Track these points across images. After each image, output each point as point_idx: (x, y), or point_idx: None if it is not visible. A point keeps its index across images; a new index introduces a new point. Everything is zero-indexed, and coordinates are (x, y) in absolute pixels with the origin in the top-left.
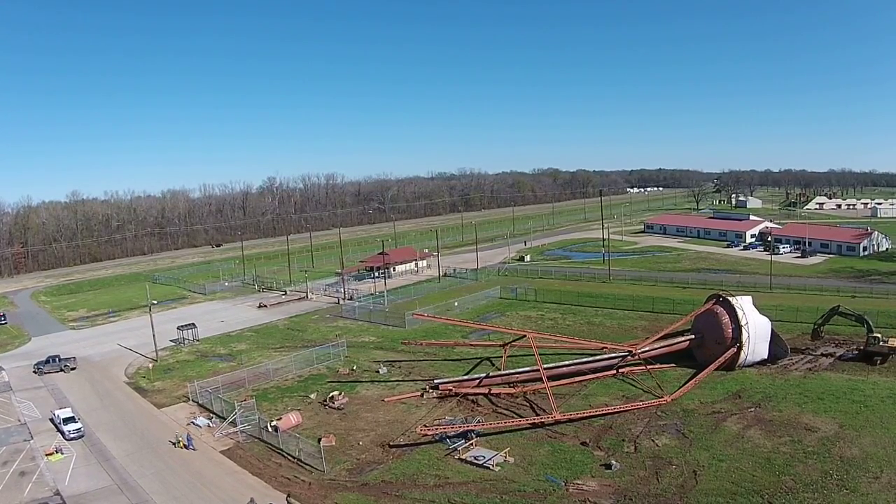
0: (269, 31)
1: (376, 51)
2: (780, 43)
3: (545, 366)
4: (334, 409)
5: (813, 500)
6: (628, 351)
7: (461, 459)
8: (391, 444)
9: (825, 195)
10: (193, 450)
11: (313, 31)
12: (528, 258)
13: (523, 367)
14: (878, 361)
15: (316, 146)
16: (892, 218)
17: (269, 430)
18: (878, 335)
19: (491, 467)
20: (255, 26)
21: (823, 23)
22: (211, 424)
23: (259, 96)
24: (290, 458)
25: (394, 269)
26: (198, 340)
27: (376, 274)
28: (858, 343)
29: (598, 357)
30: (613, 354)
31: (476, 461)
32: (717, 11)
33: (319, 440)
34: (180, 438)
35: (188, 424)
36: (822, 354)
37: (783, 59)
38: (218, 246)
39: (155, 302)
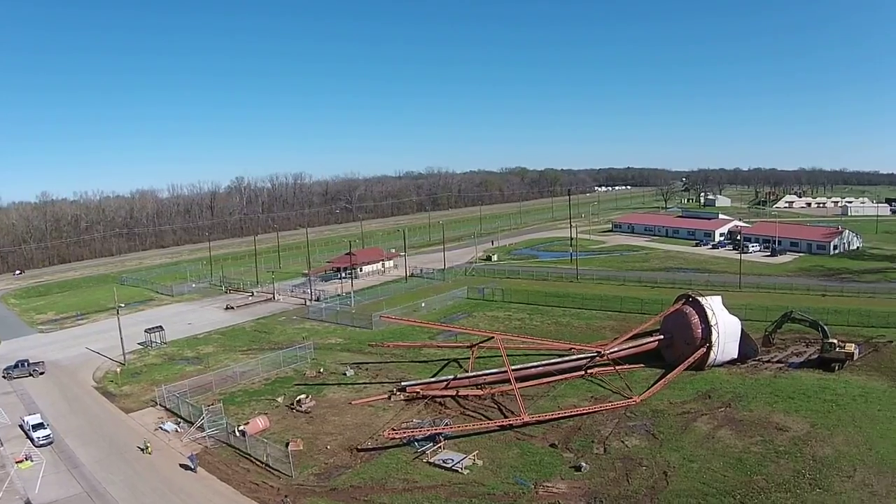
0: (235, 29)
1: (343, 49)
2: (749, 44)
3: (513, 367)
4: (302, 412)
5: (785, 499)
6: (597, 351)
7: (430, 462)
8: (359, 447)
9: (795, 194)
10: (195, 471)
11: (279, 30)
12: (495, 258)
13: (491, 368)
14: (837, 367)
15: (284, 145)
16: (864, 216)
17: (237, 434)
18: (834, 341)
19: (460, 470)
20: (221, 24)
21: (794, 25)
22: (178, 429)
23: (227, 95)
24: (258, 463)
25: (361, 270)
26: (165, 343)
27: (343, 274)
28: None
29: (566, 358)
30: (582, 355)
31: (445, 464)
32: (685, 12)
33: (287, 444)
34: (148, 444)
35: (156, 430)
36: (793, 353)
37: (753, 60)
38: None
39: (122, 305)
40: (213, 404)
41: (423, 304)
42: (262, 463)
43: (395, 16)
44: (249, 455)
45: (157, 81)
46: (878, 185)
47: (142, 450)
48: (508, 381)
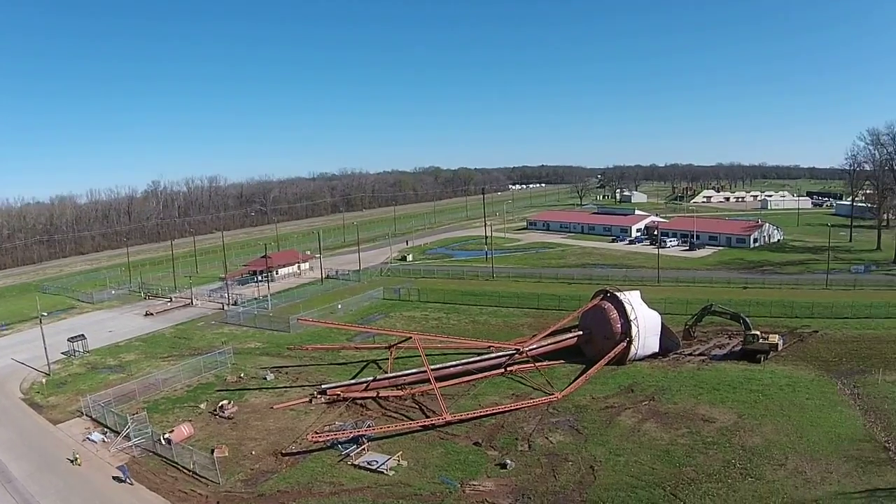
0: (145, 32)
1: (254, 51)
2: (662, 41)
3: (432, 367)
4: (224, 418)
5: (717, 489)
6: (516, 349)
7: (355, 465)
8: (284, 452)
9: (713, 188)
10: (131, 484)
11: (190, 32)
12: (410, 258)
13: (411, 368)
14: (762, 359)
15: (199, 147)
16: (784, 210)
17: (163, 442)
18: (757, 332)
19: (385, 472)
20: (132, 27)
21: (707, 22)
22: (105, 439)
23: (141, 97)
24: (185, 471)
25: (277, 273)
26: (88, 352)
27: (259, 278)
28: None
29: (485, 356)
30: (501, 353)
31: (370, 466)
32: (597, 12)
33: (212, 451)
34: (77, 456)
35: (83, 441)
36: (716, 346)
37: (666, 56)
38: None
39: (45, 314)
40: (137, 413)
41: (339, 306)
42: (189, 471)
43: (307, 18)
44: (176, 463)
45: (73, 85)
46: (798, 179)
47: (71, 461)
48: (428, 380)
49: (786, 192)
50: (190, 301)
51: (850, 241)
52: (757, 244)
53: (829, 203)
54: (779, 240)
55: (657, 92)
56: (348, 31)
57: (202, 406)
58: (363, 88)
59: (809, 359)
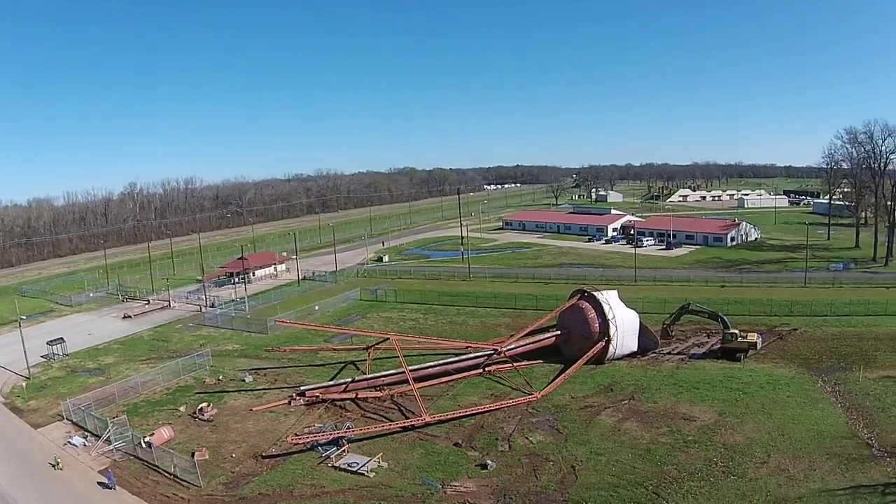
0: (117, 29)
1: (230, 55)
2: (638, 43)
3: (411, 367)
4: (204, 421)
5: (699, 487)
6: (494, 349)
7: (335, 467)
8: (264, 454)
9: (689, 187)
10: (113, 489)
11: (167, 36)
12: (386, 258)
13: (389, 369)
14: (742, 357)
15: (175, 149)
16: (761, 208)
17: (143, 446)
18: (735, 331)
19: (366, 473)
20: (107, 23)
21: (683, 24)
22: (86, 443)
23: (117, 99)
24: (166, 474)
25: (253, 274)
26: (67, 355)
27: (236, 280)
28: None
29: (463, 357)
30: (479, 353)
31: (350, 468)
32: (573, 11)
33: (193, 454)
34: (59, 460)
35: (64, 445)
36: (695, 344)
37: (641, 58)
38: None
39: (24, 317)
40: (117, 416)
41: (316, 307)
42: (171, 474)
43: (272, 23)
44: (157, 467)
45: (47, 86)
46: (774, 178)
47: (53, 466)
48: (407, 381)
49: (762, 191)
50: (168, 303)
51: (828, 239)
52: (734, 243)
53: (806, 201)
54: (756, 238)
55: (632, 93)
56: (322, 34)
57: (182, 409)
58: (338, 90)
59: (789, 356)
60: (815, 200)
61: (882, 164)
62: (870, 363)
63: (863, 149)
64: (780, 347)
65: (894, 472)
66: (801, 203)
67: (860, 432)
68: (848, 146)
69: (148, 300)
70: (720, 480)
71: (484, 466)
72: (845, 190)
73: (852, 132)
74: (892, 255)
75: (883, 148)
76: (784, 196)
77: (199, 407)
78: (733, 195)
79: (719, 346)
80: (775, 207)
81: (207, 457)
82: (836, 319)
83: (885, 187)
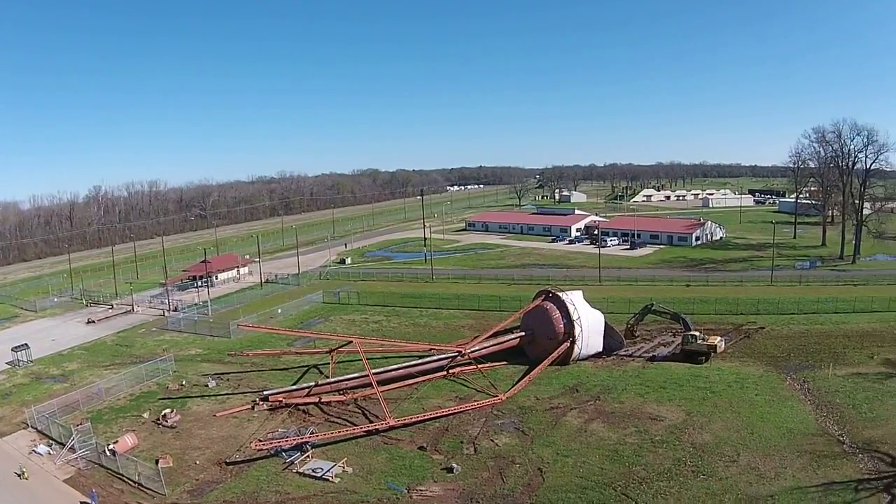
0: (80, 28)
1: (196, 59)
2: (600, 36)
3: (374, 370)
4: (168, 427)
5: (669, 488)
6: (458, 351)
7: (300, 473)
8: (228, 461)
9: (653, 187)
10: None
11: (125, 35)
12: (349, 260)
13: (352, 373)
14: (703, 360)
15: (140, 153)
16: (726, 207)
17: (108, 454)
18: (696, 333)
19: (330, 479)
20: (69, 22)
21: (652, 29)
22: (51, 451)
23: (82, 101)
24: (130, 482)
25: (216, 278)
26: (31, 362)
27: (199, 283)
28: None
29: (427, 359)
30: (443, 355)
31: (315, 473)
32: (529, 9)
33: (157, 462)
34: (24, 470)
35: (30, 453)
36: (661, 344)
37: (604, 57)
38: None
39: None
40: (81, 424)
41: (279, 311)
42: (135, 482)
43: (238, 27)
44: (122, 475)
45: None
46: (740, 177)
47: (19, 476)
48: (370, 385)
49: (727, 191)
50: (131, 308)
51: (795, 237)
52: (699, 242)
53: (771, 201)
54: (721, 237)
55: (595, 95)
56: (286, 41)
57: (145, 415)
58: (302, 92)
59: (756, 355)
60: (781, 199)
61: (850, 163)
62: (838, 360)
63: (831, 148)
64: (747, 346)
65: (867, 467)
66: (767, 202)
67: (831, 429)
68: (816, 145)
69: (112, 305)
70: (690, 480)
71: (450, 470)
72: (812, 189)
73: (820, 131)
74: (859, 253)
75: (851, 147)
76: (749, 195)
77: (163, 413)
78: (698, 195)
79: (679, 348)
80: (741, 207)
81: (172, 464)
82: (803, 317)
83: (853, 186)
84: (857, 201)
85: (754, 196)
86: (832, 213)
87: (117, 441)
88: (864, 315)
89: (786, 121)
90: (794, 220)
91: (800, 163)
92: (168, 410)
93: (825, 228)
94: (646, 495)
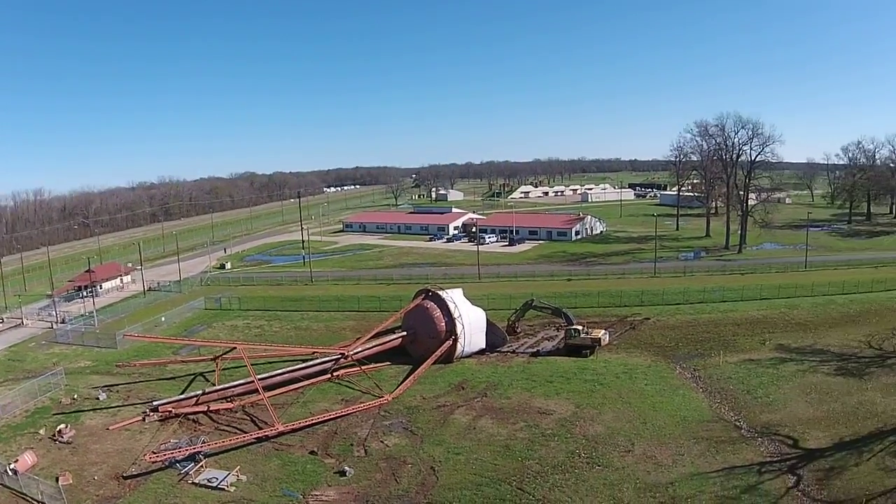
0: None
1: (71, 60)
2: (476, 32)
3: (259, 376)
4: (64, 443)
5: (565, 480)
6: (341, 353)
7: (195, 483)
8: (124, 475)
9: (531, 184)
10: None
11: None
12: (228, 265)
13: (238, 379)
14: (587, 354)
15: (25, 160)
16: (606, 202)
17: (10, 473)
18: (579, 327)
19: (226, 488)
20: None
21: (532, 27)
22: None
23: None
24: (34, 502)
25: (101, 287)
26: None
27: (84, 293)
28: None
29: (311, 362)
30: (326, 358)
31: (210, 483)
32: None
33: (57, 479)
34: None
35: None
36: (544, 338)
37: (480, 54)
38: None
39: None
40: None
41: (163, 319)
42: (38, 502)
43: (106, 29)
44: (25, 494)
45: None
46: (619, 172)
47: None
48: (257, 391)
49: (607, 185)
50: (21, 321)
51: (677, 229)
52: (579, 237)
53: (653, 194)
54: (601, 231)
55: (470, 93)
56: (165, 41)
57: (42, 432)
58: (177, 91)
59: (643, 345)
60: (663, 193)
61: (735, 156)
62: (729, 348)
63: (714, 141)
64: (633, 337)
65: (768, 451)
66: (648, 196)
67: (726, 415)
68: (698, 139)
69: (2, 319)
70: (585, 472)
71: (342, 473)
72: (695, 181)
73: (703, 125)
74: (745, 243)
75: (736, 140)
76: (630, 189)
77: (58, 429)
78: (577, 190)
79: (563, 343)
80: (621, 201)
81: (72, 481)
82: (689, 307)
83: (738, 177)
84: (741, 192)
85: (635, 190)
86: (716, 204)
87: (17, 460)
88: (753, 303)
89: (664, 114)
90: (676, 213)
91: (681, 156)
92: (63, 426)
93: (709, 220)
94: (542, 489)
